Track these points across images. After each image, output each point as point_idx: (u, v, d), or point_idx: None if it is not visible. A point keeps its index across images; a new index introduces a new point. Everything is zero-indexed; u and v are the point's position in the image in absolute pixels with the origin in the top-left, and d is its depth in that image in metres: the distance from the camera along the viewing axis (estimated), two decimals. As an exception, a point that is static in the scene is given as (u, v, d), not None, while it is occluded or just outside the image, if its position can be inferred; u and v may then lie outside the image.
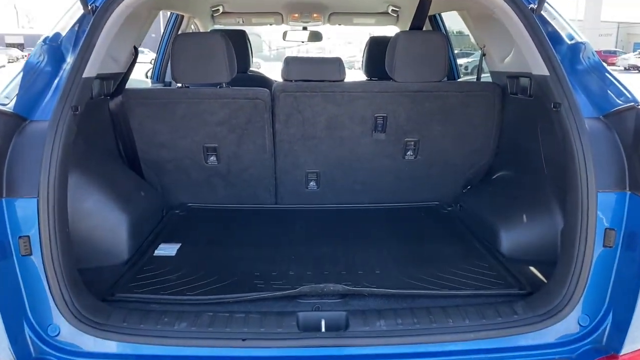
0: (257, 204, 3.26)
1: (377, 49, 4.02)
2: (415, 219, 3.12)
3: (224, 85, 2.88)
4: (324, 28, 5.42)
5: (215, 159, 3.04)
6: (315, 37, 5.48)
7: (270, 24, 5.31)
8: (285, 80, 2.93)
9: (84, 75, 2.05)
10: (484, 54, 3.14)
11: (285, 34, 5.41)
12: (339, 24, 5.25)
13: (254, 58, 4.17)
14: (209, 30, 5.11)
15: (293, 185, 3.20)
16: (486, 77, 3.23)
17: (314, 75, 2.90)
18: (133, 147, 2.97)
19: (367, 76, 4.13)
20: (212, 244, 2.74)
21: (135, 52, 2.99)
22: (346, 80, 2.98)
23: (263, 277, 2.24)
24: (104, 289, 2.10)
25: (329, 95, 2.90)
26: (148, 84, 4.81)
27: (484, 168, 3.17)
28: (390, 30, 5.73)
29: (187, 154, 3.02)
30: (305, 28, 5.30)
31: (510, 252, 2.45)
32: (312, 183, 3.21)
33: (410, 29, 3.19)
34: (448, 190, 3.27)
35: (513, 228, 2.50)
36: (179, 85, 2.87)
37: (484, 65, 3.20)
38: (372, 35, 4.12)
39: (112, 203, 2.44)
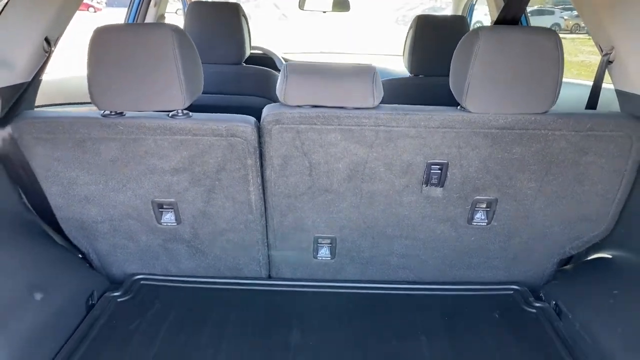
0: (241, 278, 2.19)
1: (428, 35, 2.84)
2: (482, 316, 2.01)
3: (179, 112, 1.75)
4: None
5: (172, 217, 1.96)
6: (342, 5, 4.23)
7: None
8: (282, 104, 1.78)
9: None
10: (609, 62, 1.93)
11: (302, 1, 4.16)
12: None
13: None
14: None
15: (294, 253, 2.11)
16: (607, 97, 2.03)
17: (329, 98, 1.74)
18: (43, 201, 1.90)
19: (412, 72, 2.94)
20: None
21: (49, 46, 1.89)
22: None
23: None
24: None
25: (353, 130, 1.74)
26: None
27: (593, 241, 2.03)
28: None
29: (128, 212, 1.93)
30: (328, -7, 4.07)
31: None
32: (324, 251, 2.11)
33: (498, 21, 1.97)
34: (533, 270, 2.14)
35: None
36: (106, 112, 1.74)
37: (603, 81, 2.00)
38: (419, 15, 2.88)
39: None
